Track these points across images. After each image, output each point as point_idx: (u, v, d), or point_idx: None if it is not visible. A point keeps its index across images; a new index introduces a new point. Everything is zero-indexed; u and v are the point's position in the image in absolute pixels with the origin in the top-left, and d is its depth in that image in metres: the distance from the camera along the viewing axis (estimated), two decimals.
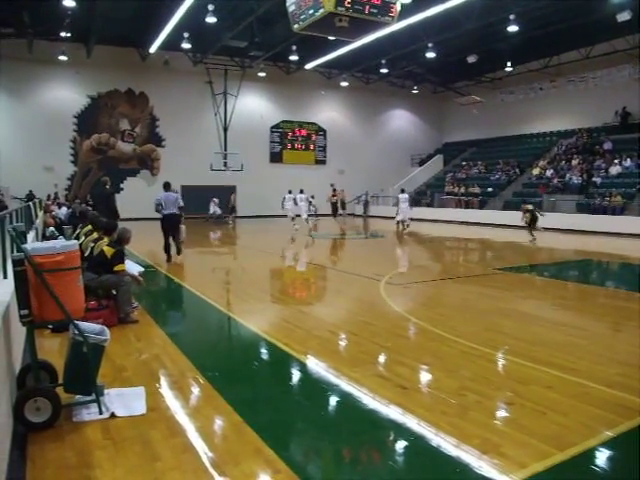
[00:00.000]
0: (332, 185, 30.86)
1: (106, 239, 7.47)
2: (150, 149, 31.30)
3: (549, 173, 28.55)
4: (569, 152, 29.57)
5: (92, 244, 7.60)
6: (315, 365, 5.59)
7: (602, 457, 3.73)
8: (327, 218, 30.10)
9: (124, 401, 4.46)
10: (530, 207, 19.06)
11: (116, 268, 7.12)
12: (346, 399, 4.71)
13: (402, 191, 24.65)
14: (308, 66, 30.77)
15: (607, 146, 27.72)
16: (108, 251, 7.18)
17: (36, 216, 15.36)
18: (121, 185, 28.85)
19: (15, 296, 4.11)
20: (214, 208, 29.03)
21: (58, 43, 26.36)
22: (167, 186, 13.72)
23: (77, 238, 8.85)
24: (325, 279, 12.07)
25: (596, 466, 3.63)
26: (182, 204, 13.19)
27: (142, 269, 8.54)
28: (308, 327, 7.19)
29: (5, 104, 27.43)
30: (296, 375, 5.49)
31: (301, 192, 25.15)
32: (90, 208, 15.80)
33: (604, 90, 29.54)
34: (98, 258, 7.22)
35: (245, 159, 31.33)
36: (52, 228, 13.46)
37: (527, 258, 15.18)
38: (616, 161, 26.04)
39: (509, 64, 31.27)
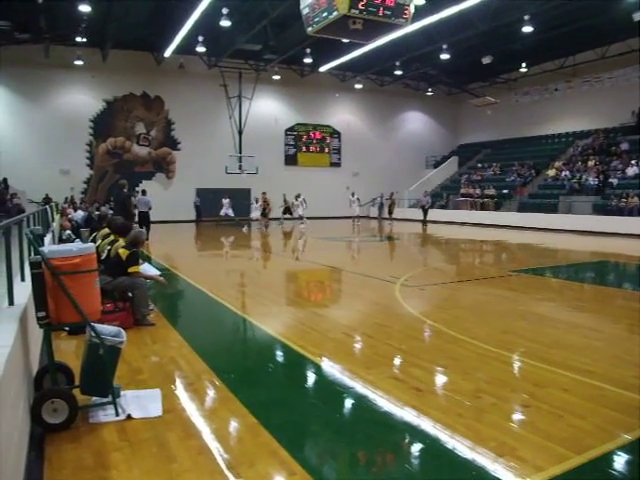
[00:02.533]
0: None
1: (122, 241, 7.51)
2: (165, 152, 31.48)
3: (565, 174, 28.35)
4: (585, 153, 29.34)
5: (108, 247, 7.65)
6: (330, 367, 5.59)
7: (620, 461, 3.69)
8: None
9: (140, 403, 4.48)
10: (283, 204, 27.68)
11: (130, 270, 7.15)
12: (361, 401, 4.70)
13: (352, 194, 30.61)
14: (322, 69, 30.83)
15: (624, 147, 27.45)
16: (123, 253, 7.22)
17: (53, 219, 15.51)
18: (137, 188, 28.97)
19: (32, 298, 4.16)
20: (226, 210, 28.82)
21: (74, 48, 26.62)
22: (144, 192, 21.27)
23: (94, 241, 8.91)
24: (340, 281, 12.06)
25: (614, 470, 3.59)
26: (151, 206, 19.65)
27: (158, 272, 8.58)
28: (323, 329, 7.19)
29: (22, 108, 27.73)
30: (311, 377, 5.48)
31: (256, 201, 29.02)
32: (111, 211, 15.96)
33: (620, 90, 29.30)
34: (114, 260, 7.27)
35: (260, 162, 31.43)
36: (69, 231, 13.58)
37: (543, 260, 15.07)
38: (633, 162, 25.78)
39: (524, 65, 31.13)
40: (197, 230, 26.99)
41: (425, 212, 29.12)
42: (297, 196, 28.13)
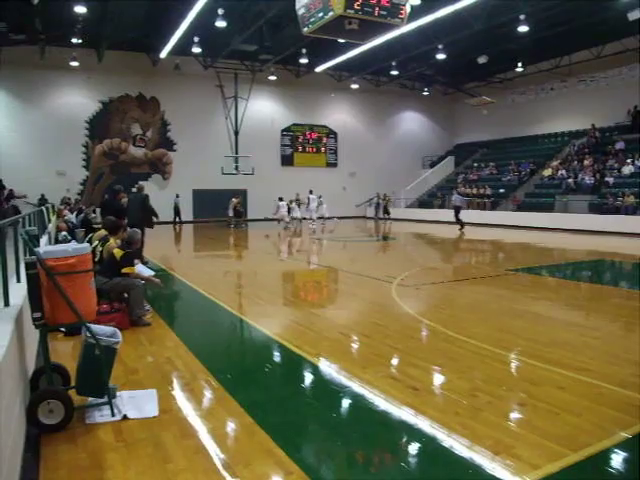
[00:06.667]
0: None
1: (112, 240, 7.50)
2: (161, 153, 31.43)
3: (561, 173, 28.39)
4: (581, 152, 29.39)
5: (101, 248, 7.64)
6: (327, 367, 5.59)
7: (616, 458, 3.69)
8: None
9: (136, 403, 4.48)
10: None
11: (124, 270, 7.14)
12: (357, 400, 4.70)
13: (310, 191, 27.92)
14: (318, 69, 30.81)
15: (619, 146, 27.51)
16: (117, 253, 7.22)
17: (49, 221, 15.46)
18: (133, 189, 28.85)
19: (28, 299, 4.14)
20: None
21: (69, 49, 26.60)
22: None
23: (90, 242, 8.89)
24: (336, 281, 12.05)
25: (610, 467, 3.59)
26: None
27: (152, 272, 8.56)
28: (319, 329, 7.19)
29: (18, 110, 27.68)
30: (308, 377, 5.49)
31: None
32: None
33: (615, 89, 29.35)
34: (108, 261, 7.25)
35: (256, 162, 31.42)
36: (64, 232, 13.54)
37: (539, 259, 15.09)
38: (629, 161, 25.84)
39: (520, 64, 31.10)
40: (179, 232, 26.89)
41: None
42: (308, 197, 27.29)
